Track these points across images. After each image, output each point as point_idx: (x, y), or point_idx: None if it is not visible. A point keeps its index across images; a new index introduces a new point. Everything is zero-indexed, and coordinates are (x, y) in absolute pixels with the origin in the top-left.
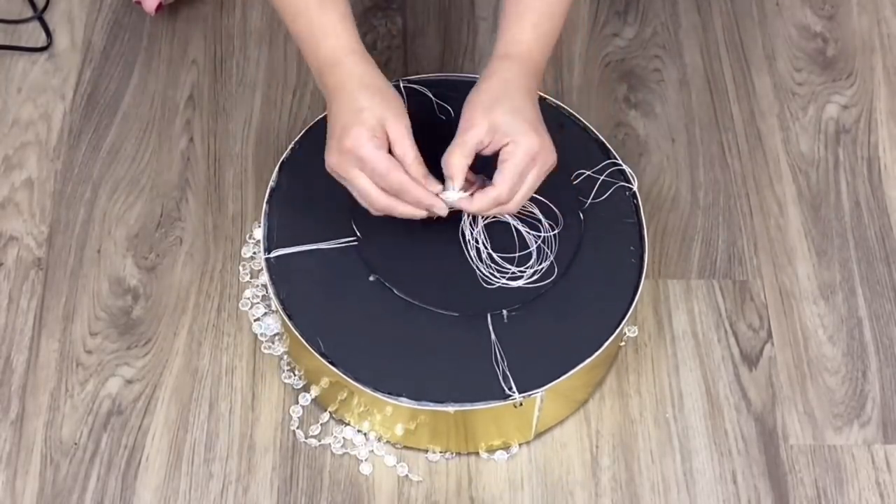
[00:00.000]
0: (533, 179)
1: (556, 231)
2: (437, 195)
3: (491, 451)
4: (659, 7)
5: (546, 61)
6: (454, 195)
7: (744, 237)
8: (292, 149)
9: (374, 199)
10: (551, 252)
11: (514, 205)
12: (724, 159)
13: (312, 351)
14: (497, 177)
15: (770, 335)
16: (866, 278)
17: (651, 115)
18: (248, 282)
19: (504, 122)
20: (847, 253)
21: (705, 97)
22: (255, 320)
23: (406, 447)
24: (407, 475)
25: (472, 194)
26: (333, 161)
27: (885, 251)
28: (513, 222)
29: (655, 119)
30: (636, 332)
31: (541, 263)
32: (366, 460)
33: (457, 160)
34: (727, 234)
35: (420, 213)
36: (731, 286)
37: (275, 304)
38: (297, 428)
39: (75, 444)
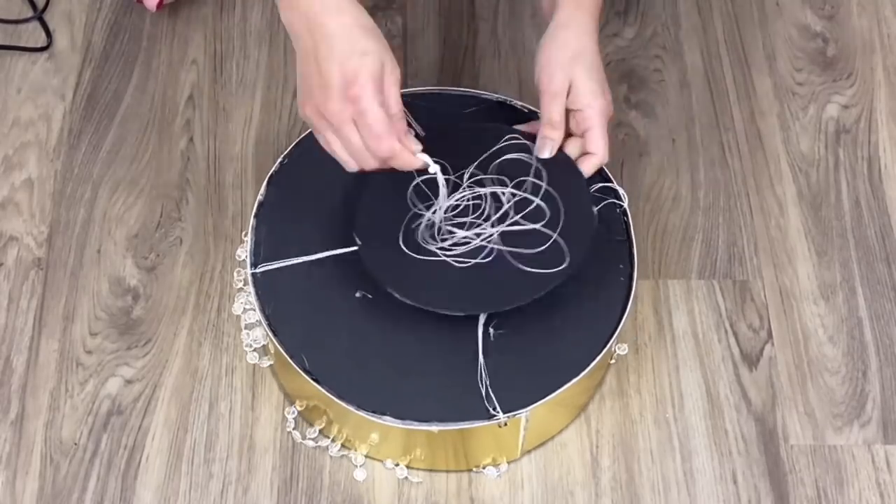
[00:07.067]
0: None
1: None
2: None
3: (481, 469)
4: (659, 7)
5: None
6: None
7: (744, 237)
8: (281, 162)
9: (364, 160)
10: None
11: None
12: (724, 159)
13: (296, 367)
14: (592, 144)
15: (770, 335)
16: (866, 278)
17: (651, 116)
18: (240, 288)
19: (582, 82)
20: (847, 253)
21: (705, 97)
22: (245, 328)
23: None
24: (406, 476)
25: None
26: (335, 108)
27: (885, 251)
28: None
29: (656, 119)
30: (626, 350)
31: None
32: (362, 465)
33: (558, 115)
34: (727, 234)
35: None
36: (731, 286)
37: (260, 319)
38: (294, 429)
39: (75, 444)
